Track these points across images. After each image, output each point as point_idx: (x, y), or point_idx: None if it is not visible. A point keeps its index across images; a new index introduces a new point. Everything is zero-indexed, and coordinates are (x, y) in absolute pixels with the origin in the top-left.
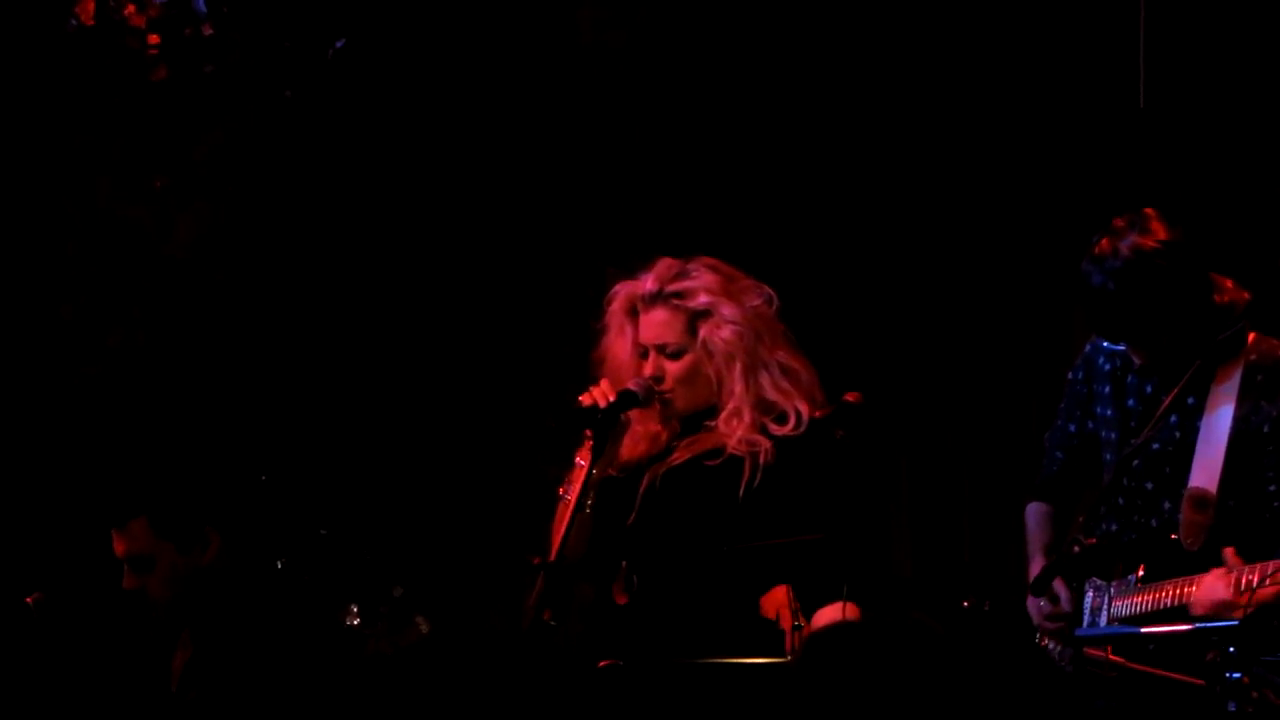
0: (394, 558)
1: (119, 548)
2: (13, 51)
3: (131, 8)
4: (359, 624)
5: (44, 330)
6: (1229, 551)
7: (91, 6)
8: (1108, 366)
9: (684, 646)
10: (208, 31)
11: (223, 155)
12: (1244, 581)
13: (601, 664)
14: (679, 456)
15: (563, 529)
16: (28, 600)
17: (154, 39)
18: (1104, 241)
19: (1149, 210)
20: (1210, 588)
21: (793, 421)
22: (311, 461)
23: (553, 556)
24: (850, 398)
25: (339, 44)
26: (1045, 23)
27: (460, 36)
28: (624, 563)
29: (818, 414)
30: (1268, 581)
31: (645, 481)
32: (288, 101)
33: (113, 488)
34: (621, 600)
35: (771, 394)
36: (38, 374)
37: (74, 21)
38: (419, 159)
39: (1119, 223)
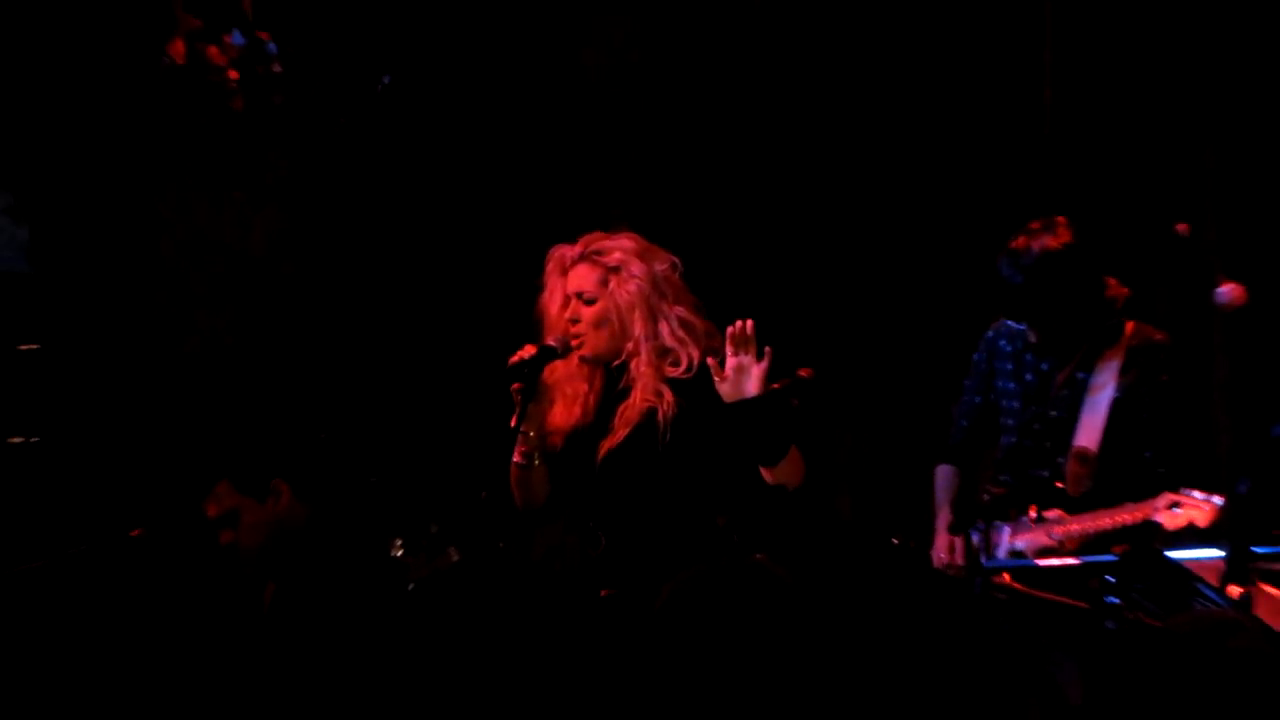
0: (431, 500)
1: (211, 510)
2: (119, 82)
3: (214, 49)
4: (403, 554)
5: (146, 314)
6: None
7: (182, 47)
8: (1009, 348)
9: (657, 573)
10: (277, 69)
11: (290, 171)
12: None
13: (603, 593)
14: (618, 433)
15: (515, 489)
16: (132, 534)
17: (233, 75)
18: (1020, 240)
19: (1059, 218)
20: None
21: (684, 365)
22: (364, 423)
23: (525, 494)
24: (804, 373)
25: (385, 80)
26: (977, 65)
27: (478, 71)
28: (591, 524)
29: (776, 385)
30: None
31: (601, 455)
32: (342, 126)
33: (201, 459)
34: (593, 554)
35: (668, 341)
36: (142, 351)
37: (167, 60)
38: (444, 169)
39: (1034, 225)
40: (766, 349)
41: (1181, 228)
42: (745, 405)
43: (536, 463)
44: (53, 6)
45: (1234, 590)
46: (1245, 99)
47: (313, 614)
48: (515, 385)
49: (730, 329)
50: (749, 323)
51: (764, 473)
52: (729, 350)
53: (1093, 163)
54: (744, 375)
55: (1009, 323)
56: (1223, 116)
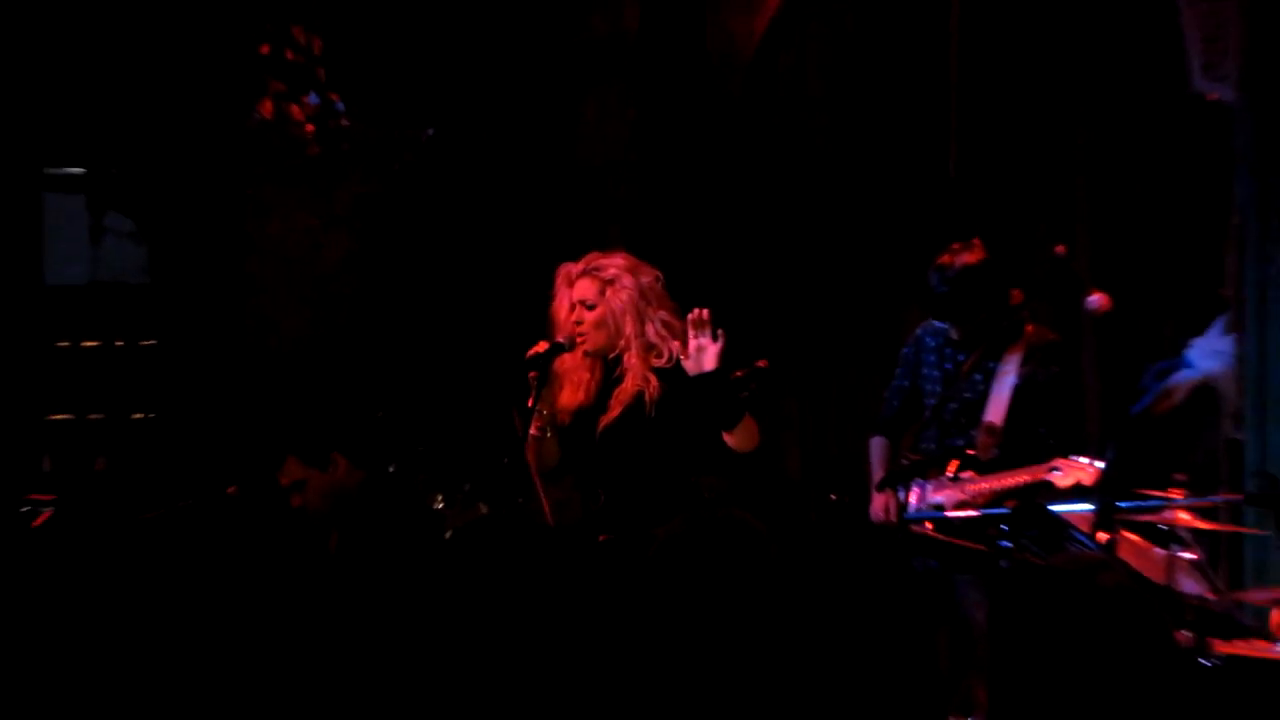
0: (464, 465)
1: (284, 480)
2: (219, 133)
3: (295, 107)
4: (442, 507)
5: (237, 317)
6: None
7: (270, 106)
8: (932, 343)
9: (646, 522)
10: (345, 123)
11: (354, 203)
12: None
13: (601, 538)
14: (614, 411)
15: (530, 455)
16: (229, 491)
17: (309, 128)
18: (945, 257)
19: (976, 240)
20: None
21: (666, 357)
22: (412, 404)
23: (539, 460)
24: (761, 363)
25: (429, 132)
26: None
27: (504, 124)
28: (592, 483)
29: (738, 373)
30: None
31: (600, 428)
32: (396, 169)
33: (277, 434)
34: (594, 508)
35: (653, 338)
36: (234, 347)
37: (258, 115)
38: (474, 201)
39: (956, 246)
40: (720, 330)
41: (1060, 249)
42: (705, 377)
43: (549, 434)
44: (163, 77)
45: (1102, 536)
46: (1109, 150)
47: (369, 556)
48: (532, 373)
49: (690, 315)
50: (705, 310)
51: (725, 438)
52: (691, 333)
53: (989, 199)
54: (703, 353)
55: (935, 323)
56: (1091, 164)
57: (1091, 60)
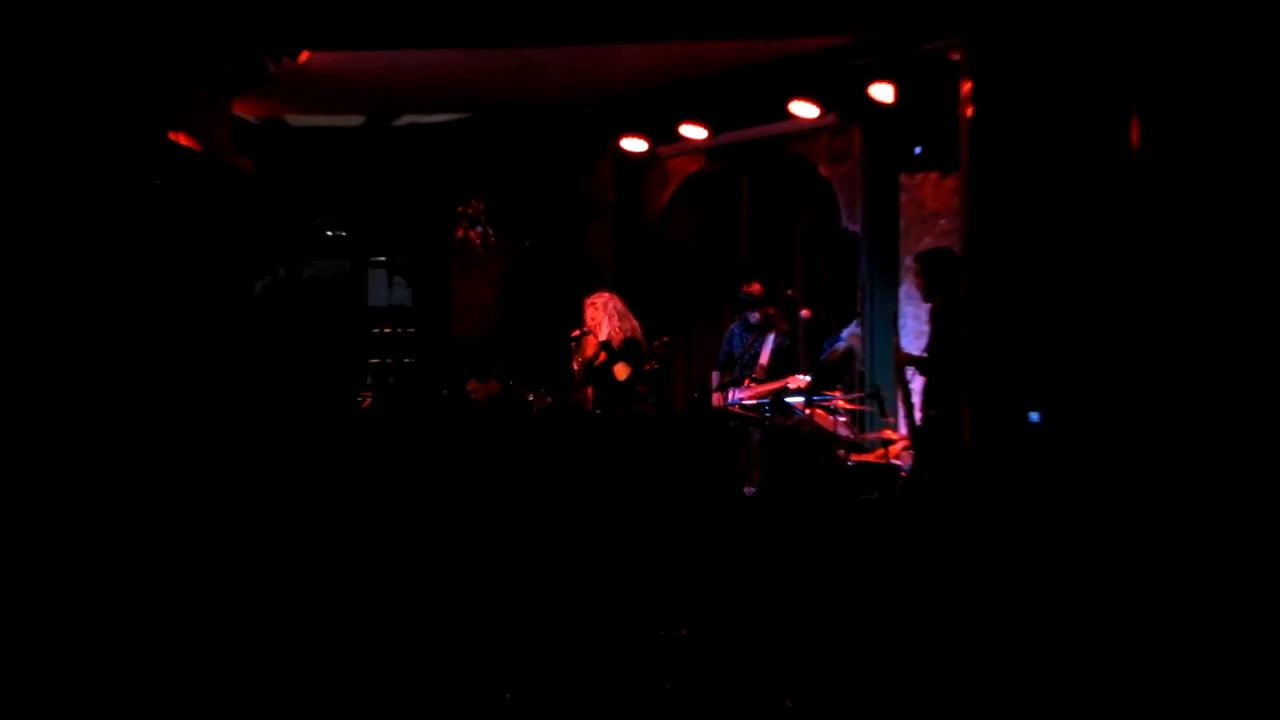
0: (542, 381)
1: (468, 387)
2: (440, 246)
3: (473, 233)
4: (532, 399)
5: (446, 321)
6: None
7: (461, 232)
8: (738, 329)
9: (614, 407)
10: (493, 239)
11: (500, 273)
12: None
13: (597, 411)
14: (600, 360)
15: (576, 377)
16: (444, 392)
17: (478, 241)
18: (745, 288)
19: (756, 282)
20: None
21: (623, 338)
22: (521, 356)
23: (577, 379)
24: (665, 339)
25: (526, 243)
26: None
27: (555, 242)
28: (595, 392)
29: (656, 342)
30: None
31: (594, 367)
32: (517, 257)
33: (462, 371)
34: (595, 401)
35: (616, 330)
36: (443, 335)
37: (456, 238)
38: (554, 273)
39: (749, 282)
40: (625, 363)
41: (790, 292)
42: (621, 382)
43: (579, 370)
44: (415, 221)
45: (808, 412)
46: (764, 250)
47: (504, 419)
48: (573, 343)
49: (616, 366)
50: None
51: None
52: (611, 363)
53: (761, 271)
54: (619, 371)
55: (748, 315)
56: (801, 254)
57: (799, 216)
